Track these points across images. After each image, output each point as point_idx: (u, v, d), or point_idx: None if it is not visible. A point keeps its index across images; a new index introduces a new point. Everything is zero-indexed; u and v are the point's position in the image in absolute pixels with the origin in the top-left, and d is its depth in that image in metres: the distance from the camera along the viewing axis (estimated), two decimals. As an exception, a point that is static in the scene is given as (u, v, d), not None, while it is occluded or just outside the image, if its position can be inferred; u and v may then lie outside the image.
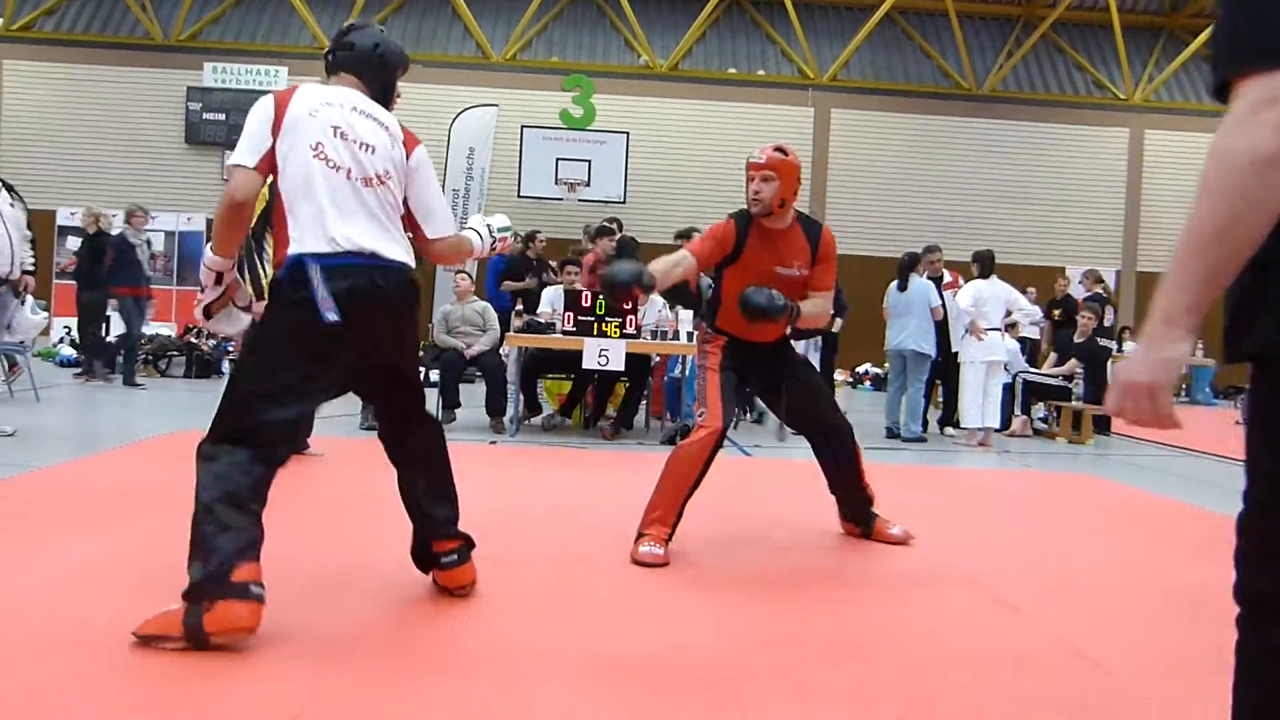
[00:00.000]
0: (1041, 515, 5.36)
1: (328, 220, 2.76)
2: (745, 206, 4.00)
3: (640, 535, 3.81)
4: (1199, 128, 17.99)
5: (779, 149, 3.97)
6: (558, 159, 15.93)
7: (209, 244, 2.89)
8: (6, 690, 2.26)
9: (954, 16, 17.26)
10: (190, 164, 16.45)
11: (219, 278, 2.93)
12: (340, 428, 7.00)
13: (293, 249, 2.74)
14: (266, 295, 5.33)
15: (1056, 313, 11.34)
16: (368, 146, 2.86)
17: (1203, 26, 17.99)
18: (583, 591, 3.36)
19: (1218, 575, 3.74)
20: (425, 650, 2.69)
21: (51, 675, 2.36)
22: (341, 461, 5.69)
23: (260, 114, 2.80)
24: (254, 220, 5.54)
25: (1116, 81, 18.17)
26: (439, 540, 3.13)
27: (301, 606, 2.96)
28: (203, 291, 2.98)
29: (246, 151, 2.76)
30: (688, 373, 7.66)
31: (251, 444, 2.66)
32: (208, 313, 3.01)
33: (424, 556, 3.18)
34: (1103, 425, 9.68)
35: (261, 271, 5.51)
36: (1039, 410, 9.93)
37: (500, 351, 8.05)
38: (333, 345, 2.75)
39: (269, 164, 2.77)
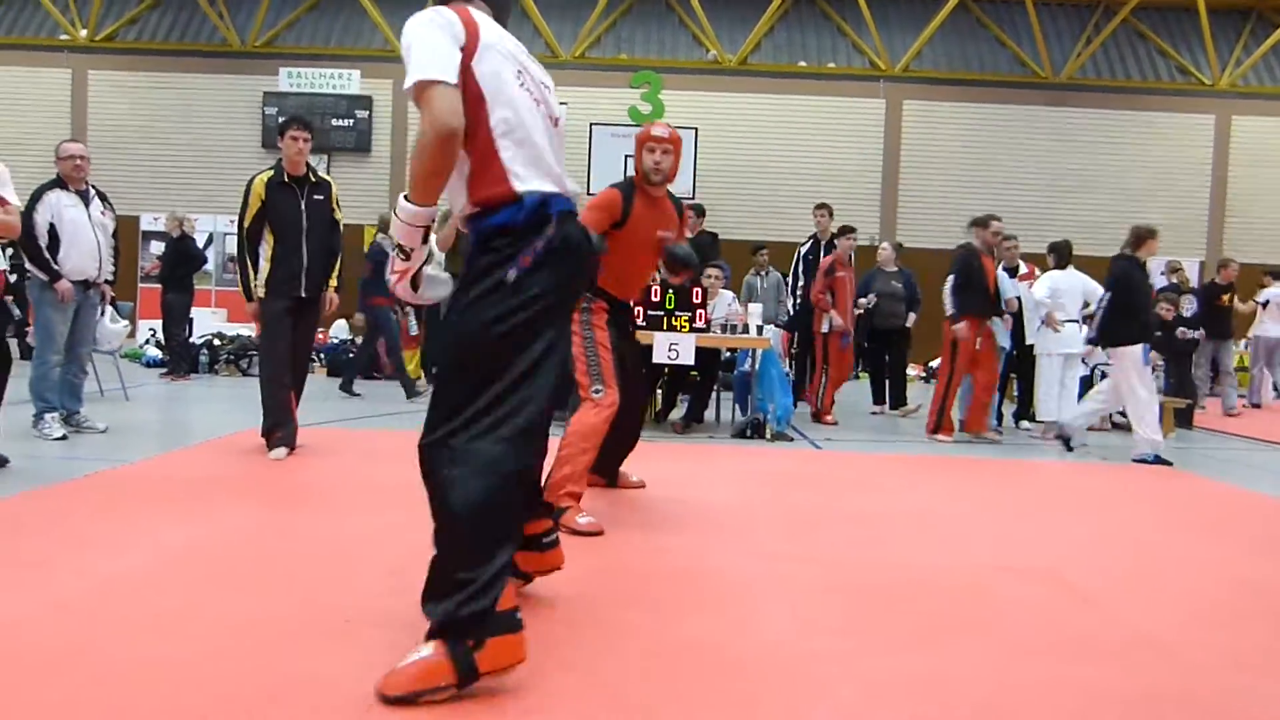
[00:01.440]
0: (1117, 508, 5.25)
1: (547, 159, 2.44)
2: (632, 176, 4.42)
3: (563, 509, 3.91)
4: (1289, 113, 17.38)
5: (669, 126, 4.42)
6: (626, 156, 15.98)
7: (403, 197, 2.30)
8: (106, 665, 2.37)
9: (1030, 3, 16.89)
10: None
11: (424, 234, 2.35)
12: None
13: (522, 186, 2.35)
14: (254, 297, 5.51)
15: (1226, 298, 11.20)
16: (545, 85, 2.56)
17: (1292, 7, 17.34)
18: (659, 575, 3.38)
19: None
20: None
21: (152, 656, 2.46)
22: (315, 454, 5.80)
23: (445, 26, 2.30)
24: (247, 221, 5.57)
25: (1202, 67, 17.60)
26: (536, 520, 2.85)
27: (381, 591, 3.04)
28: (405, 259, 2.36)
29: (441, 66, 2.22)
30: (757, 366, 7.65)
31: (511, 435, 2.28)
32: (415, 283, 2.43)
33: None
34: (1184, 419, 9.41)
35: (252, 271, 5.62)
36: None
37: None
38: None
39: (462, 87, 2.28)
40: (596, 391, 4.03)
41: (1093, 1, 17.97)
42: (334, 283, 5.88)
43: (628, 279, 4.38)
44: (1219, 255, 17.09)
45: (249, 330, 13.86)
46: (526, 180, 2.35)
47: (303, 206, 5.66)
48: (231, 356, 12.22)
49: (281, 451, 5.58)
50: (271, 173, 5.66)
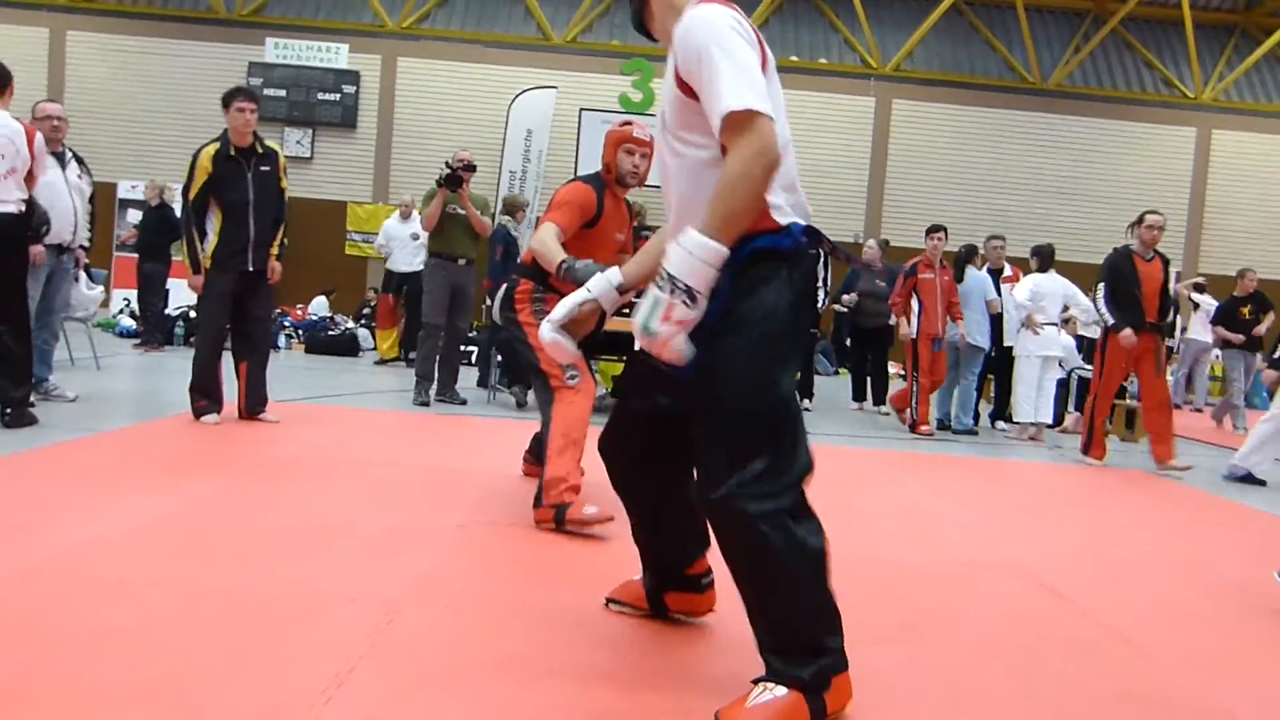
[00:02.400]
0: (1092, 509, 5.29)
1: (798, 183, 2.21)
2: (599, 172, 4.17)
3: (566, 504, 3.71)
4: (1269, 129, 17.53)
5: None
6: (615, 143, 15.89)
7: (698, 233, 1.92)
8: (69, 632, 2.32)
9: (1022, 9, 16.94)
10: (251, 139, 16.67)
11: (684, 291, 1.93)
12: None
13: (784, 219, 2.12)
14: (200, 269, 5.52)
15: (1245, 310, 10.60)
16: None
17: (1277, 25, 17.48)
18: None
19: (1265, 573, 3.67)
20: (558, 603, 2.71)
21: (115, 625, 2.42)
22: (288, 428, 5.76)
23: (748, 38, 2.03)
24: (192, 193, 5.54)
25: (1185, 79, 17.73)
26: (697, 561, 2.67)
27: (362, 564, 3.00)
28: (690, 306, 1.94)
29: (761, 93, 1.94)
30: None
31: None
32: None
33: (669, 587, 2.71)
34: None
35: (200, 246, 5.61)
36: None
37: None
38: None
39: None
40: (571, 378, 3.89)
41: (1083, 10, 18.05)
42: (275, 252, 5.83)
43: None
44: (1196, 264, 17.27)
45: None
46: (786, 212, 2.13)
47: (250, 179, 5.64)
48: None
49: (213, 417, 5.65)
50: (218, 145, 5.61)
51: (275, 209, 5.78)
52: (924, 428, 8.05)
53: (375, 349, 11.56)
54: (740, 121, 1.91)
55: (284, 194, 5.89)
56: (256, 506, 3.78)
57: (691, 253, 1.92)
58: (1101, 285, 6.93)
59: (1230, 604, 3.49)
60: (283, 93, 16.54)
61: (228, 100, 5.62)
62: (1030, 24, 17.44)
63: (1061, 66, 17.51)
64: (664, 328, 1.93)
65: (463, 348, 8.19)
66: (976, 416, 8.83)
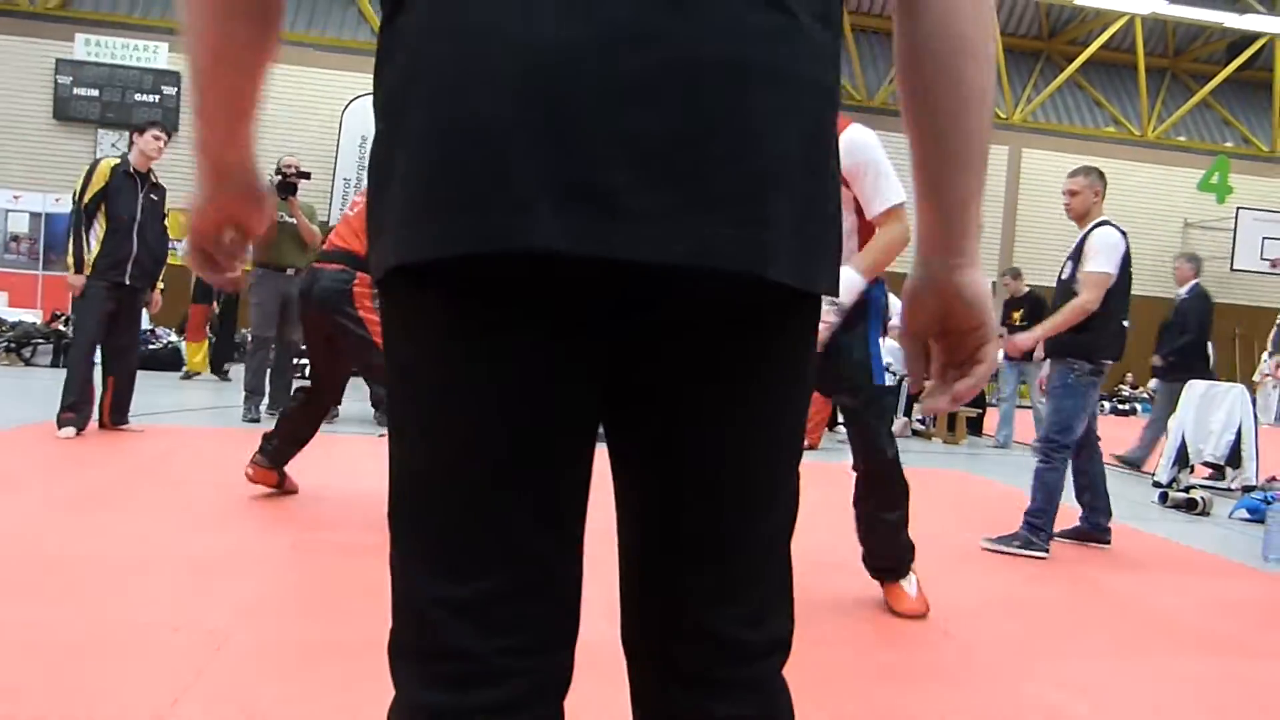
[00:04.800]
0: (912, 508, 5.54)
1: None
2: None
3: None
4: (1072, 149, 18.89)
5: None
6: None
7: (854, 269, 2.99)
8: None
9: (849, 30, 17.71)
10: (59, 141, 15.63)
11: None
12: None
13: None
14: (83, 270, 5.73)
15: (1017, 314, 9.51)
16: None
17: (1077, 53, 18.89)
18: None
19: (1062, 559, 3.90)
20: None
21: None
22: (111, 448, 5.51)
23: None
24: (86, 197, 5.83)
25: (998, 100, 18.91)
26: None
27: (188, 594, 2.85)
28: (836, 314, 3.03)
29: (901, 192, 2.90)
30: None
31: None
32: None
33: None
34: (975, 427, 10.08)
35: (86, 247, 5.88)
36: (918, 412, 10.26)
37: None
38: None
39: None
40: None
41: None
42: (161, 285, 6.27)
43: None
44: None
45: (33, 316, 12.83)
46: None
47: (140, 199, 5.96)
48: (12, 344, 11.25)
49: (70, 431, 5.67)
50: (118, 161, 6.01)
51: (159, 236, 6.15)
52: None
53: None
54: (897, 211, 2.96)
55: (167, 229, 6.47)
56: (69, 533, 3.54)
57: (853, 283, 2.95)
58: None
59: (1028, 584, 3.74)
60: (95, 93, 15.56)
61: (143, 128, 6.09)
62: (857, 44, 18.25)
63: (887, 85, 18.39)
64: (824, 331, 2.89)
65: (296, 360, 7.89)
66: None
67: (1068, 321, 4.41)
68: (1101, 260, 4.41)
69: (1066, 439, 4.43)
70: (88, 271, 5.80)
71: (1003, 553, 4.35)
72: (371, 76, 0.89)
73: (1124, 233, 4.54)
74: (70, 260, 5.82)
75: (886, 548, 3.27)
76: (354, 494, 4.60)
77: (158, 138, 6.01)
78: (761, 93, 0.77)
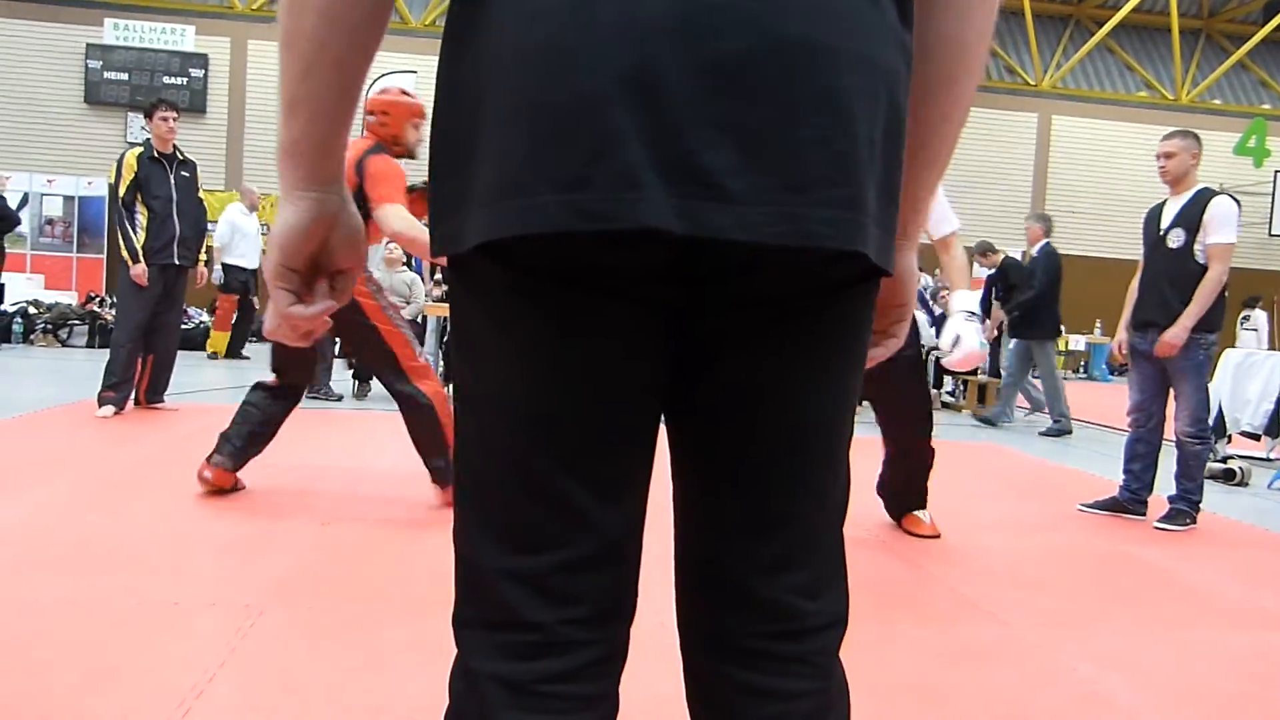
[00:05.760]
0: (944, 481, 5.51)
1: None
2: (378, 144, 3.94)
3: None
4: (1102, 114, 18.58)
5: None
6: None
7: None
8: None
9: None
10: (90, 125, 15.78)
11: None
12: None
13: None
14: (139, 259, 5.89)
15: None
16: None
17: (1107, 16, 18.53)
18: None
19: (1096, 532, 3.89)
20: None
21: (-54, 643, 2.28)
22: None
23: None
24: (121, 190, 5.95)
25: (1027, 67, 18.62)
26: None
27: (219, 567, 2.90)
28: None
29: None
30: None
31: None
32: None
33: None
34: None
35: (134, 239, 5.97)
36: (949, 384, 10.19)
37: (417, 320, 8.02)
38: None
39: None
40: (422, 355, 3.96)
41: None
42: (204, 257, 6.46)
43: None
44: (1040, 246, 18.12)
45: (69, 298, 13.00)
46: None
47: (171, 179, 6.09)
48: (49, 326, 11.41)
49: (109, 410, 5.80)
50: (142, 149, 6.05)
51: (197, 212, 6.29)
52: None
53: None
54: (951, 236, 3.62)
55: (203, 202, 6.48)
56: (108, 512, 3.60)
57: (970, 300, 3.53)
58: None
59: (1065, 564, 3.72)
60: (124, 76, 15.68)
61: (150, 111, 6.07)
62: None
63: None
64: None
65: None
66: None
67: (1211, 297, 4.39)
68: (1228, 231, 4.42)
69: (1208, 415, 4.65)
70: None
71: (1175, 531, 4.47)
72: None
73: (1238, 201, 4.52)
74: (125, 254, 5.93)
75: (915, 483, 3.96)
76: (383, 471, 4.65)
77: (165, 118, 6.04)
78: (852, 76, 0.78)
